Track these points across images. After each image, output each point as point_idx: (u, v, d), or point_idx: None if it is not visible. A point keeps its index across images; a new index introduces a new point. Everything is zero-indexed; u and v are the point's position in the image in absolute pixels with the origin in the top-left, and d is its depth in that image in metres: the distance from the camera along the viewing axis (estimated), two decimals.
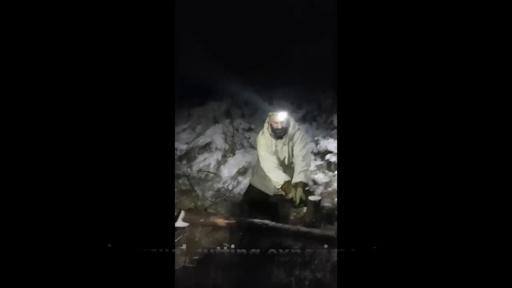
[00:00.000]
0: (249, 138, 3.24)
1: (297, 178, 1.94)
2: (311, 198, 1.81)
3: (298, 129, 2.05)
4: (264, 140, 2.03)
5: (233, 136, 3.19)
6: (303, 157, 1.99)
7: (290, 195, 1.91)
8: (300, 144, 2.00)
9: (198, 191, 2.39)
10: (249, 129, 3.46)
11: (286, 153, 2.05)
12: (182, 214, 1.79)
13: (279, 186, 1.97)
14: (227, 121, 3.49)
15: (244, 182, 2.50)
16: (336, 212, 2.01)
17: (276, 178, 1.97)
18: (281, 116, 1.90)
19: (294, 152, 2.03)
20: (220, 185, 2.53)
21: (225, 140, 3.15)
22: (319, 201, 1.83)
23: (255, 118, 3.66)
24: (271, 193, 2.09)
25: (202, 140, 3.20)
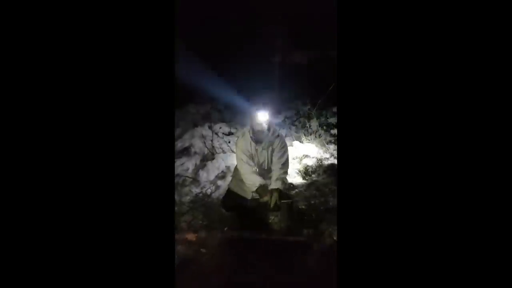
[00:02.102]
0: (229, 142, 3.23)
1: (274, 184, 1.96)
2: (284, 201, 1.88)
3: (278, 135, 2.06)
4: (243, 143, 2.03)
5: (212, 140, 3.16)
6: (282, 164, 2.01)
7: (265, 198, 1.94)
8: (280, 152, 2.02)
9: (175, 196, 2.34)
10: (229, 133, 3.45)
11: (264, 158, 2.06)
12: None
13: (254, 189, 1.99)
14: (206, 124, 3.46)
15: (223, 186, 2.48)
16: (314, 215, 2.08)
17: (252, 181, 1.99)
18: (263, 116, 1.92)
19: (274, 159, 2.04)
20: (198, 190, 2.49)
21: (204, 144, 3.12)
22: (291, 203, 1.91)
23: (235, 122, 3.65)
24: (248, 197, 2.09)
25: (180, 144, 3.15)
